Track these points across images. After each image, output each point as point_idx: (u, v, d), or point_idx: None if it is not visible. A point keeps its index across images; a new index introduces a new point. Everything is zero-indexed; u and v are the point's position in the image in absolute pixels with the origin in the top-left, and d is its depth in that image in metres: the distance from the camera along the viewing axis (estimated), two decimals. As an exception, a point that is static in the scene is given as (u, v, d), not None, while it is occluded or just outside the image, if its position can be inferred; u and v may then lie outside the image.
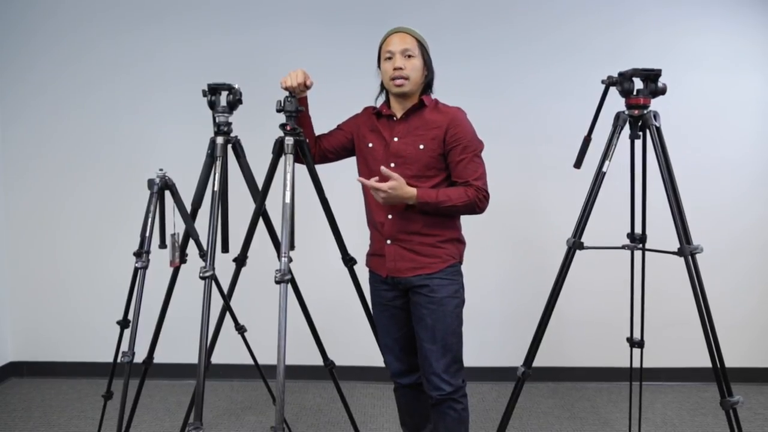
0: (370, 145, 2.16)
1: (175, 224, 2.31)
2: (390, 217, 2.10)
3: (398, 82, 2.06)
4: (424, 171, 2.07)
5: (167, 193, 2.31)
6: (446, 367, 2.08)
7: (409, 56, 2.05)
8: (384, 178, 2.01)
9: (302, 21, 3.54)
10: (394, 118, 2.13)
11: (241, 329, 2.64)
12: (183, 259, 2.39)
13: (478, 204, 2.05)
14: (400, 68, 2.04)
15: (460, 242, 2.20)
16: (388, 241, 2.13)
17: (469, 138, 2.08)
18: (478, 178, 2.06)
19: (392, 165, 2.09)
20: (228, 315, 2.51)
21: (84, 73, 3.57)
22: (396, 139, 2.10)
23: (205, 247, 2.11)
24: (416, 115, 2.11)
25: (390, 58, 2.07)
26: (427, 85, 2.14)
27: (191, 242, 2.38)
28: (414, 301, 2.13)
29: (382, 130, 2.15)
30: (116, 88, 3.57)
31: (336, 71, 3.50)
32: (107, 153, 3.60)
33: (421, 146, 2.06)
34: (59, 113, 3.60)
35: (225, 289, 2.48)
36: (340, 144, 2.28)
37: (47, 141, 3.61)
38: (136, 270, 2.24)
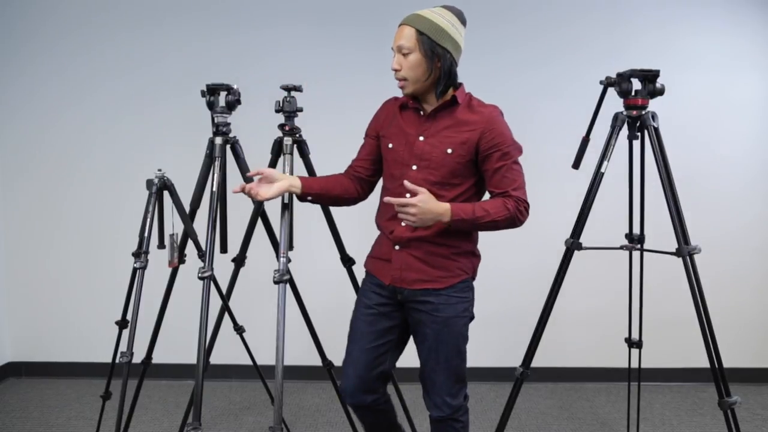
0: (390, 146, 1.94)
1: (174, 225, 2.31)
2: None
3: (399, 84, 1.86)
4: (449, 178, 1.86)
5: (166, 194, 2.31)
6: (448, 387, 1.95)
7: (405, 54, 1.81)
8: (409, 193, 1.83)
9: (301, 21, 3.53)
10: (422, 113, 1.91)
11: (239, 329, 2.64)
12: (182, 259, 2.39)
13: (518, 217, 1.83)
14: (396, 69, 1.84)
15: (475, 256, 2.01)
16: (397, 247, 1.92)
17: (509, 143, 1.86)
18: (518, 188, 1.84)
19: (414, 168, 1.87)
20: (227, 315, 2.52)
21: (82, 74, 3.57)
22: (422, 138, 1.88)
23: (203, 248, 2.11)
24: (446, 113, 1.88)
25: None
26: (445, 77, 1.85)
27: (190, 242, 2.38)
28: (416, 318, 1.93)
29: (404, 126, 1.92)
30: (114, 89, 3.57)
31: (335, 71, 3.50)
32: (106, 153, 3.60)
33: (449, 150, 1.84)
34: (57, 113, 3.59)
35: (224, 290, 2.48)
36: (373, 157, 2.04)
37: (45, 141, 3.60)
38: (134, 270, 2.23)
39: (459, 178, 1.87)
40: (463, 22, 1.89)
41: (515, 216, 1.83)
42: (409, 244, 1.90)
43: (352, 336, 2.01)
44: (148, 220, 2.19)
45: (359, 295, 2.05)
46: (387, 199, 1.80)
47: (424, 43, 1.80)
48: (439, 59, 1.82)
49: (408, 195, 1.85)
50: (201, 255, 2.23)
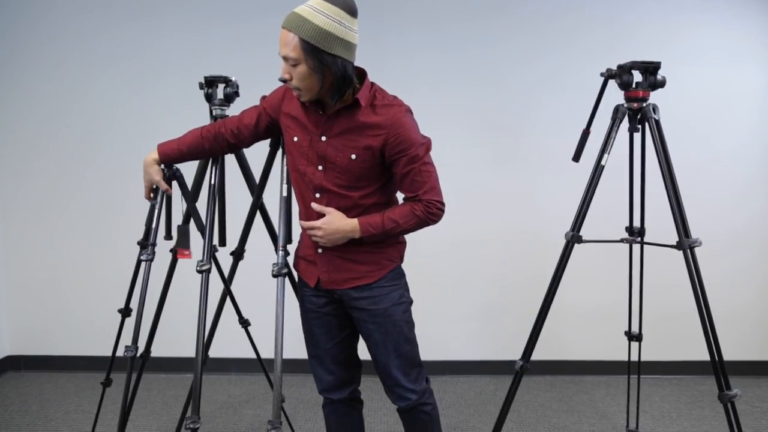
0: (296, 139, 1.83)
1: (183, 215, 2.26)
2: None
3: (294, 93, 1.76)
4: (356, 182, 1.79)
5: (174, 184, 2.24)
6: (406, 375, 1.93)
7: (293, 64, 1.67)
8: (316, 214, 1.81)
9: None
10: (321, 112, 1.79)
11: (245, 323, 2.62)
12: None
13: (430, 218, 1.80)
14: (286, 79, 1.71)
15: (400, 243, 1.95)
16: (320, 250, 1.88)
17: (416, 145, 1.75)
18: (428, 190, 1.78)
19: (320, 168, 1.80)
20: (226, 309, 2.51)
21: (80, 67, 3.55)
22: (324, 138, 1.78)
23: (204, 241, 2.09)
24: (348, 113, 1.76)
25: None
26: (339, 83, 1.69)
27: (193, 235, 2.35)
28: (357, 317, 1.92)
29: (307, 122, 1.81)
30: (112, 82, 3.55)
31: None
32: (104, 145, 3.58)
33: (353, 156, 1.75)
34: (55, 105, 3.58)
35: (222, 284, 2.47)
36: (251, 131, 1.95)
37: (43, 133, 3.59)
38: (139, 262, 2.18)
39: (365, 181, 1.80)
40: (353, 12, 1.71)
41: (426, 219, 1.80)
42: (332, 246, 1.85)
43: (309, 340, 2.01)
44: (156, 211, 2.13)
45: (300, 299, 2.03)
46: (300, 222, 1.84)
47: (309, 55, 1.63)
48: (329, 68, 1.66)
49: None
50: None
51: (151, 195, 2.07)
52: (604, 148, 2.31)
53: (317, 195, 1.83)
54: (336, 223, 1.77)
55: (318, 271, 1.90)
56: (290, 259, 2.10)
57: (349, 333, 2.00)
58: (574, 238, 2.33)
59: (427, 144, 1.81)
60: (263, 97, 1.97)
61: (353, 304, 1.90)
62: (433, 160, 1.83)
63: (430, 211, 1.79)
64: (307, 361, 2.05)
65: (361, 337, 2.01)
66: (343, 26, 1.68)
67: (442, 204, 1.82)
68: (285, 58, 1.67)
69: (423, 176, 1.78)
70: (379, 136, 1.74)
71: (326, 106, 1.79)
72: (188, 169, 2.32)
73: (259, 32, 3.50)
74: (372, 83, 1.82)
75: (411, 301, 1.97)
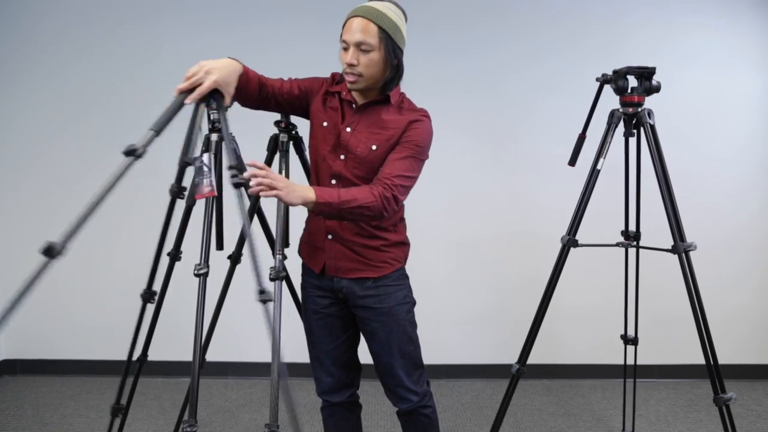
0: (325, 124, 1.90)
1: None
2: None
3: (350, 78, 1.79)
4: (373, 174, 1.84)
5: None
6: (408, 376, 1.96)
7: (364, 50, 1.75)
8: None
9: (297, 16, 3.52)
10: (354, 105, 1.88)
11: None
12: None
13: (385, 205, 1.74)
14: (353, 64, 1.77)
15: (405, 245, 2.00)
16: (330, 236, 1.90)
17: (420, 144, 1.83)
18: (398, 179, 1.77)
19: (342, 158, 1.86)
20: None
21: (79, 69, 3.54)
22: (348, 129, 1.86)
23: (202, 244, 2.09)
24: (376, 109, 1.86)
25: (346, 48, 1.78)
26: (399, 76, 1.85)
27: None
28: (360, 316, 1.94)
29: (338, 112, 1.89)
30: (109, 86, 3.55)
31: (332, 66, 3.48)
32: (101, 149, 3.58)
33: (374, 147, 1.83)
34: (54, 106, 3.57)
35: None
36: (290, 99, 1.95)
37: (42, 134, 3.58)
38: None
39: None
40: (406, 16, 1.87)
41: (379, 202, 1.72)
42: (341, 234, 1.88)
43: (311, 340, 2.02)
44: (193, 127, 1.93)
45: (304, 298, 2.04)
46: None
47: (385, 44, 1.76)
48: (396, 58, 1.80)
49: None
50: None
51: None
52: (600, 153, 2.32)
53: (333, 182, 1.87)
54: (289, 180, 1.69)
55: (325, 256, 1.92)
56: (288, 263, 2.11)
57: (351, 335, 2.01)
58: (570, 241, 2.34)
59: (426, 156, 1.87)
60: (291, 79, 1.99)
61: (358, 303, 1.91)
62: (418, 175, 1.85)
63: (386, 196, 1.73)
64: (304, 365, 2.05)
65: (362, 340, 2.01)
66: (404, 25, 1.84)
67: (398, 198, 1.78)
68: (358, 44, 1.75)
69: (405, 165, 1.79)
70: (399, 128, 1.83)
71: (358, 98, 1.87)
72: (185, 172, 2.33)
73: (259, 36, 3.51)
74: (403, 93, 1.92)
75: (414, 303, 2.00)
